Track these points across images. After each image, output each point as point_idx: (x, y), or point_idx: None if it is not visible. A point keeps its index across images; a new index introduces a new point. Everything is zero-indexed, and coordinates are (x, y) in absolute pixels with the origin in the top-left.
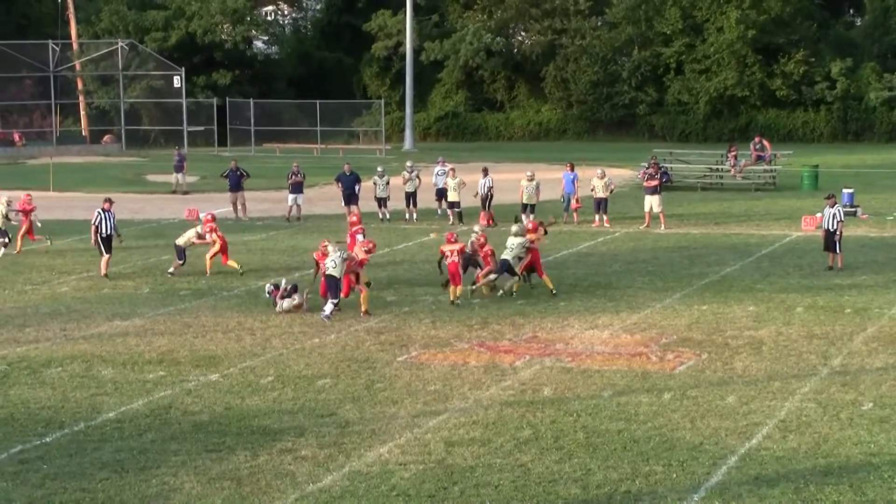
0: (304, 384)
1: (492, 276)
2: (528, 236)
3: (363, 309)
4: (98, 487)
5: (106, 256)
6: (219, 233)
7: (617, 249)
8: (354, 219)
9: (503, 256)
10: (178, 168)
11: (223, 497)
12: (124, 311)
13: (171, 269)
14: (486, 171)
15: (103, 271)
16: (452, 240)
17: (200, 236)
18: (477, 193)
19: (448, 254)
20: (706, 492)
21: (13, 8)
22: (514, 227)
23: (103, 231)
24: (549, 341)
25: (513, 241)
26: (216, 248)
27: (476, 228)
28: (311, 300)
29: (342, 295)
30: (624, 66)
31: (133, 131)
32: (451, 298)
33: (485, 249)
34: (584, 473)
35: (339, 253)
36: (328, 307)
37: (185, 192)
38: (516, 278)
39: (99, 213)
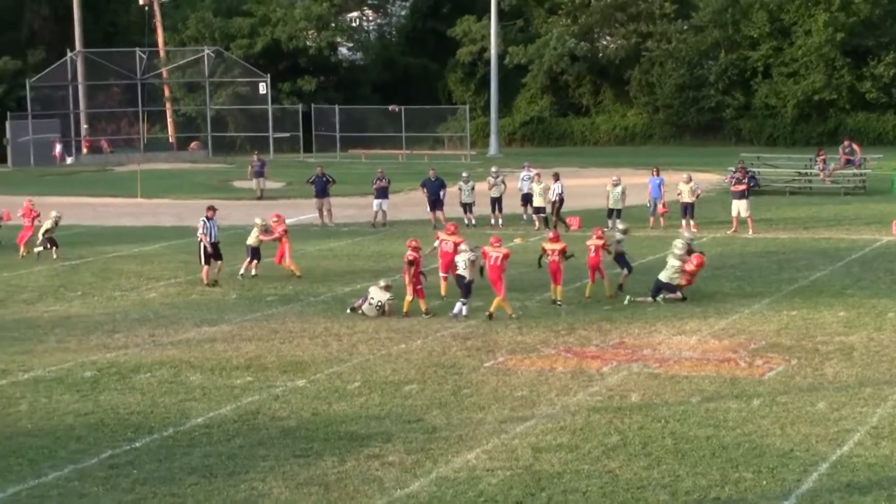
0: (390, 390)
1: (649, 300)
2: (687, 266)
3: (490, 310)
4: (187, 492)
5: (219, 263)
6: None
7: (705, 254)
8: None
9: (660, 277)
10: (259, 173)
11: (311, 502)
12: (212, 317)
13: (241, 271)
14: (556, 177)
15: (211, 278)
16: (556, 239)
17: (265, 231)
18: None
19: (549, 252)
20: (797, 499)
21: (101, 17)
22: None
23: (210, 238)
24: (637, 347)
25: (673, 262)
26: (283, 247)
27: (620, 226)
28: (396, 304)
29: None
30: (710, 70)
31: (219, 138)
32: (554, 298)
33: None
34: (672, 480)
35: (467, 254)
36: (457, 307)
37: (261, 197)
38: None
39: (204, 221)
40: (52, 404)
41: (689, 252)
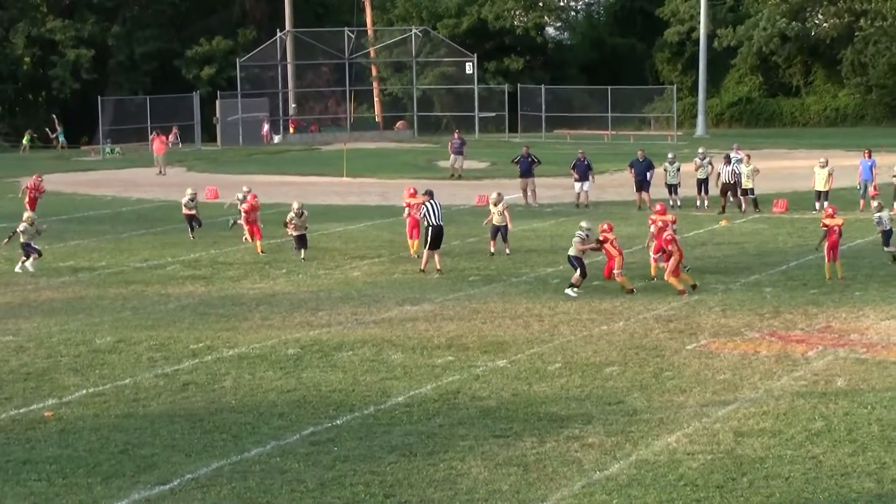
0: (591, 371)
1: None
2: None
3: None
4: (387, 471)
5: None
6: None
7: None
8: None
9: None
10: (458, 151)
11: (510, 483)
12: (414, 297)
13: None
14: (728, 160)
15: (437, 266)
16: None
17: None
18: (719, 176)
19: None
20: None
21: None
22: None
23: (433, 220)
24: (844, 331)
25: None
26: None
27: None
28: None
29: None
30: None
31: (425, 117)
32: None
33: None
34: (878, 467)
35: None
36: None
37: (460, 177)
38: None
39: (426, 205)
40: (255, 381)
41: None
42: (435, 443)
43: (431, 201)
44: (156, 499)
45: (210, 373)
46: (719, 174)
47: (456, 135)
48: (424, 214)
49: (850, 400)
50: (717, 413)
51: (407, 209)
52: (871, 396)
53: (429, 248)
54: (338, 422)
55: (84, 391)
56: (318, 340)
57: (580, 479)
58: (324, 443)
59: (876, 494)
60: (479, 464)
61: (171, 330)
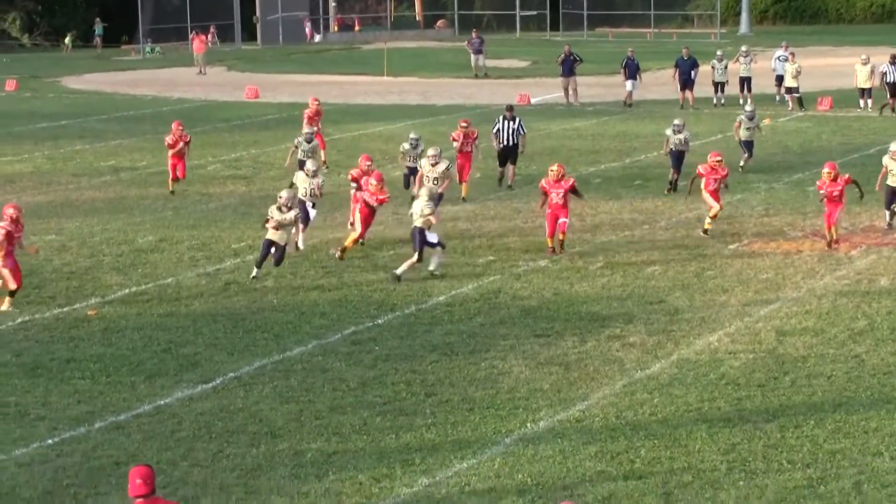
0: (633, 271)
1: None
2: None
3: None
4: (428, 369)
5: (511, 168)
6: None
7: None
8: None
9: None
10: (478, 51)
11: (551, 382)
12: (456, 196)
13: None
14: (894, 59)
15: (510, 181)
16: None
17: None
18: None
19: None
20: None
21: None
22: None
23: (502, 139)
24: (887, 230)
25: None
26: None
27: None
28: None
29: None
30: None
31: (466, 16)
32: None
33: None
34: None
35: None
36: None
37: (485, 76)
38: None
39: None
40: (297, 280)
41: None
42: (476, 342)
43: (507, 119)
44: (198, 397)
45: (251, 272)
46: (884, 73)
47: (474, 34)
48: (497, 131)
49: (893, 299)
50: (759, 312)
51: (456, 143)
52: None
53: (500, 166)
54: (379, 321)
55: (127, 290)
56: None
57: (621, 378)
58: (365, 342)
59: None
60: (520, 363)
61: (213, 230)
